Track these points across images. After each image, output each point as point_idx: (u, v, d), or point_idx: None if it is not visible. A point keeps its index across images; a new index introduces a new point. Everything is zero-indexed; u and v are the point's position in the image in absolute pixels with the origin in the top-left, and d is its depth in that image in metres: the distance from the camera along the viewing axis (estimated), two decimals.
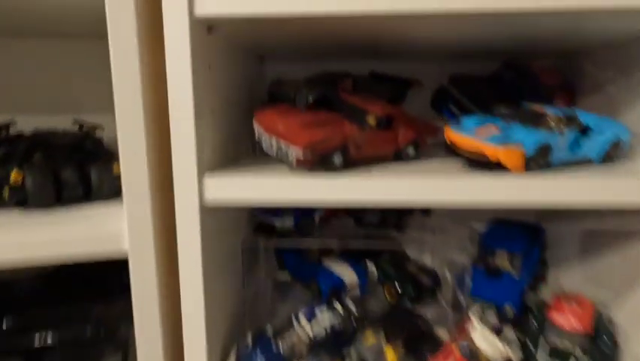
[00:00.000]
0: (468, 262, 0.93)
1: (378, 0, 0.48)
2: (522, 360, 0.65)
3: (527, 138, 0.55)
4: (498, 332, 0.65)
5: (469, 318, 0.71)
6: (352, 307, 0.75)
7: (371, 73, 0.83)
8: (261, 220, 0.84)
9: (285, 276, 0.94)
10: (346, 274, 0.83)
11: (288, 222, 0.82)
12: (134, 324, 0.59)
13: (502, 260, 0.89)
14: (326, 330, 0.69)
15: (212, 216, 0.61)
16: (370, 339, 0.68)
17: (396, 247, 0.92)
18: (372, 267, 0.89)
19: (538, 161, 0.55)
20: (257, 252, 0.94)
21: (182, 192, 0.55)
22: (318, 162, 0.55)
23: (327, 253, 0.91)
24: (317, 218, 0.86)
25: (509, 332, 0.64)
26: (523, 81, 0.79)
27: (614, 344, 0.67)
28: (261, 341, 0.68)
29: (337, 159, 0.57)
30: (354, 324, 0.73)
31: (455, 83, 0.78)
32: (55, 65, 0.91)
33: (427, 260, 0.93)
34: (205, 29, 0.56)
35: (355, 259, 0.88)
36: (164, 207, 0.59)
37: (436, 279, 0.83)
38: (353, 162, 0.60)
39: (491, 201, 0.53)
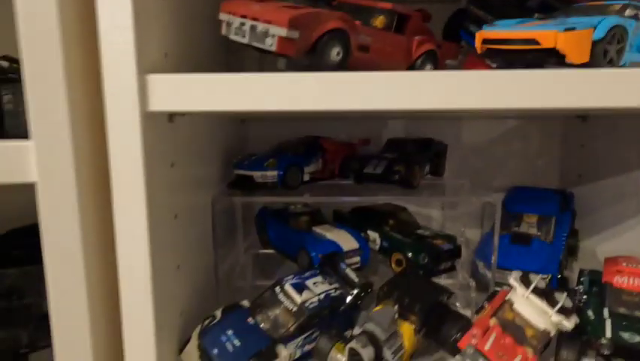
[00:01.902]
0: (484, 236, 0.79)
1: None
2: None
3: (594, 21, 0.41)
4: (547, 297, 0.49)
5: (502, 290, 0.55)
6: (353, 276, 0.59)
7: None
8: (238, 174, 0.68)
9: (269, 250, 0.77)
10: (343, 239, 0.67)
11: (270, 176, 0.66)
12: (48, 288, 0.42)
13: (530, 225, 0.74)
14: (319, 299, 0.52)
15: (164, 141, 0.46)
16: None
17: (401, 209, 0.76)
18: (374, 235, 0.73)
19: (610, 47, 0.40)
20: (232, 216, 0.77)
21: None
22: (309, 50, 0.40)
23: (318, 221, 0.75)
24: (307, 173, 0.70)
25: (561, 297, 0.48)
26: None
27: None
28: (234, 313, 0.51)
29: (334, 52, 0.41)
30: (357, 297, 0.57)
31: (476, 1, 0.64)
32: None
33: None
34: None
35: (353, 227, 0.72)
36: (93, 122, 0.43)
37: (455, 245, 0.67)
38: (355, 64, 0.44)
39: (540, 101, 0.38)
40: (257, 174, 0.65)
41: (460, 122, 0.92)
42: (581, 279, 0.60)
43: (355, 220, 0.76)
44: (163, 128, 0.46)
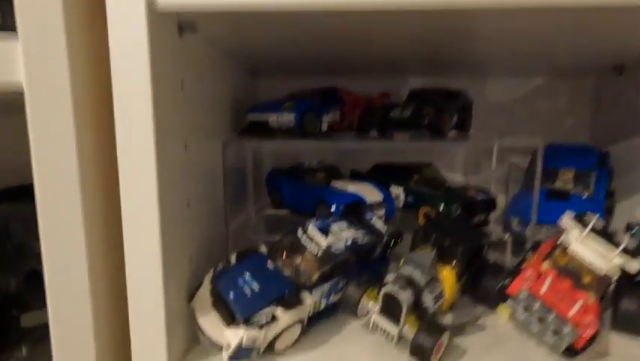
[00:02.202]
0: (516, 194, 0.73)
1: None
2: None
3: None
4: (607, 238, 0.43)
5: (548, 239, 0.49)
6: (380, 225, 0.53)
7: None
8: (252, 120, 0.62)
9: (282, 210, 0.71)
10: (366, 191, 0.61)
11: (286, 121, 0.59)
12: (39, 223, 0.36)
13: (566, 182, 0.68)
14: (346, 245, 0.46)
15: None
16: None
17: (426, 165, 0.70)
18: (397, 191, 0.67)
19: None
20: (243, 171, 0.71)
21: None
22: None
23: (336, 177, 0.69)
24: (325, 122, 0.64)
25: (624, 237, 0.43)
26: None
27: None
28: (251, 258, 0.45)
29: None
30: (387, 246, 0.51)
31: None
32: None
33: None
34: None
35: (376, 182, 0.66)
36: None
37: (489, 196, 0.61)
38: None
39: None
40: (272, 118, 0.59)
41: (484, 80, 0.86)
42: (632, 231, 0.54)
43: (375, 179, 0.70)
44: (172, 41, 0.40)
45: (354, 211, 0.56)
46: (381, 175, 0.70)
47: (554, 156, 0.71)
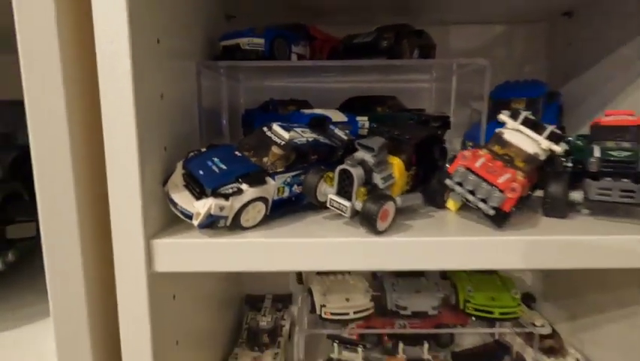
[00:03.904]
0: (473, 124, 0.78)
1: None
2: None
3: None
4: (536, 127, 0.49)
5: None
6: (342, 134, 0.58)
7: None
8: (225, 46, 0.66)
9: None
10: (331, 113, 0.66)
11: (257, 44, 0.64)
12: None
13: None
14: (307, 140, 0.51)
15: None
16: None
17: (390, 98, 0.75)
18: (362, 120, 0.72)
19: None
20: (218, 113, 0.75)
21: None
22: None
23: (307, 107, 0.74)
24: (294, 53, 0.69)
25: (550, 128, 0.48)
26: None
27: None
28: (220, 147, 0.50)
29: None
30: (346, 150, 0.56)
31: None
32: None
33: None
34: None
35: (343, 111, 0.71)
36: None
37: (445, 117, 0.67)
38: None
39: None
40: (243, 41, 0.63)
41: (447, 28, 0.91)
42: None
43: (344, 110, 0.75)
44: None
45: (319, 122, 0.61)
46: (350, 108, 0.75)
47: (507, 90, 0.77)
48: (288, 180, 0.49)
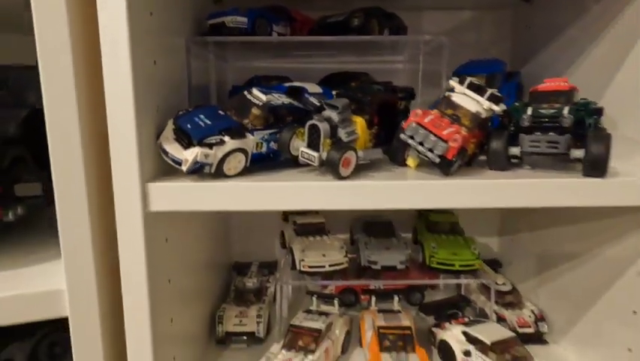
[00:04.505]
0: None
1: None
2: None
3: None
4: (480, 90, 0.57)
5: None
6: (315, 101, 0.65)
7: None
8: (211, 24, 0.73)
9: None
10: (307, 85, 0.73)
11: (241, 22, 0.71)
12: None
13: None
14: (283, 102, 0.59)
15: None
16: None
17: (363, 74, 0.83)
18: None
19: None
20: (207, 90, 0.82)
21: None
22: None
23: (288, 82, 0.81)
24: (275, 32, 0.76)
25: (490, 90, 0.56)
26: None
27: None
28: (206, 107, 0.57)
29: None
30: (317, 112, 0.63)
31: None
32: None
33: None
34: None
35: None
36: None
37: (410, 89, 0.74)
38: None
39: None
40: (228, 19, 0.70)
41: (420, 14, 0.99)
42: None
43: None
44: None
45: (295, 90, 0.68)
46: (327, 83, 0.83)
47: (469, 67, 0.85)
48: (266, 136, 0.57)
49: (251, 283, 0.90)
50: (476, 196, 0.52)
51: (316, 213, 0.92)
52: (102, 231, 0.52)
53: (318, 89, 0.74)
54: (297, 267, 0.78)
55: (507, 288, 0.88)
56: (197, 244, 0.77)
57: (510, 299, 0.87)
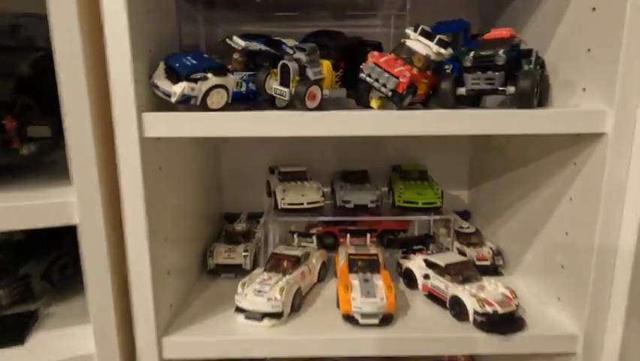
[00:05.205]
0: None
1: None
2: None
3: None
4: (431, 36, 0.65)
5: None
6: (290, 50, 0.74)
7: None
8: None
9: None
10: (288, 41, 0.82)
11: None
12: None
13: None
14: (261, 49, 0.67)
15: None
16: None
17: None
18: None
19: None
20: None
21: None
22: None
23: None
24: None
25: (439, 36, 0.65)
26: None
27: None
28: (193, 51, 0.66)
29: None
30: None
31: None
32: None
33: None
34: None
35: None
36: None
37: (378, 41, 0.83)
38: None
39: None
40: None
41: None
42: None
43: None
44: None
45: (273, 41, 0.76)
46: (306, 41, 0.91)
47: (436, 28, 0.92)
48: (245, 77, 0.66)
49: (240, 227, 1.00)
50: (425, 124, 0.61)
51: (298, 165, 1.01)
52: (105, 156, 0.61)
53: (294, 43, 0.82)
54: (279, 206, 0.88)
55: (471, 230, 0.98)
56: (188, 181, 0.86)
57: (473, 240, 0.96)
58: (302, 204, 0.87)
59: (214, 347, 0.68)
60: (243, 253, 0.89)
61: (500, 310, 0.67)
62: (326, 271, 0.88)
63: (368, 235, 0.91)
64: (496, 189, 0.99)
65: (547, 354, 0.70)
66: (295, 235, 0.91)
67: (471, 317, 0.69)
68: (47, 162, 0.81)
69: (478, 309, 0.67)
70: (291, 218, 0.92)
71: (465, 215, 1.11)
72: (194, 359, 0.69)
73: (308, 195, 0.88)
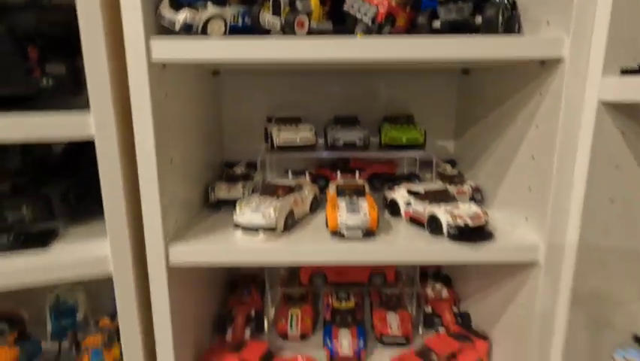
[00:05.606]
0: None
1: None
2: None
3: None
4: None
5: None
6: None
7: None
8: None
9: None
10: None
11: None
12: None
13: None
14: None
15: None
16: None
17: None
18: None
19: None
20: None
21: None
22: None
23: None
24: None
25: None
26: None
27: None
28: None
29: None
30: None
31: None
32: None
33: None
34: None
35: None
36: None
37: None
38: None
39: None
40: None
41: None
42: None
43: None
44: None
45: None
46: None
47: None
48: (241, 10, 0.73)
49: (239, 170, 1.08)
50: (401, 49, 0.68)
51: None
52: (118, 81, 0.69)
53: None
54: (274, 143, 0.96)
55: (454, 173, 1.06)
56: (192, 121, 0.94)
57: (456, 180, 1.04)
58: (295, 140, 0.94)
59: (216, 254, 0.76)
60: (242, 190, 0.97)
61: (471, 223, 0.75)
62: (317, 205, 0.96)
63: (357, 173, 0.99)
64: (478, 135, 1.06)
65: (513, 263, 0.78)
66: (289, 172, 0.99)
67: (445, 230, 0.77)
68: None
69: (451, 222, 0.75)
70: (285, 154, 0.99)
71: (451, 164, 1.18)
72: (198, 263, 0.78)
73: (301, 134, 0.96)
